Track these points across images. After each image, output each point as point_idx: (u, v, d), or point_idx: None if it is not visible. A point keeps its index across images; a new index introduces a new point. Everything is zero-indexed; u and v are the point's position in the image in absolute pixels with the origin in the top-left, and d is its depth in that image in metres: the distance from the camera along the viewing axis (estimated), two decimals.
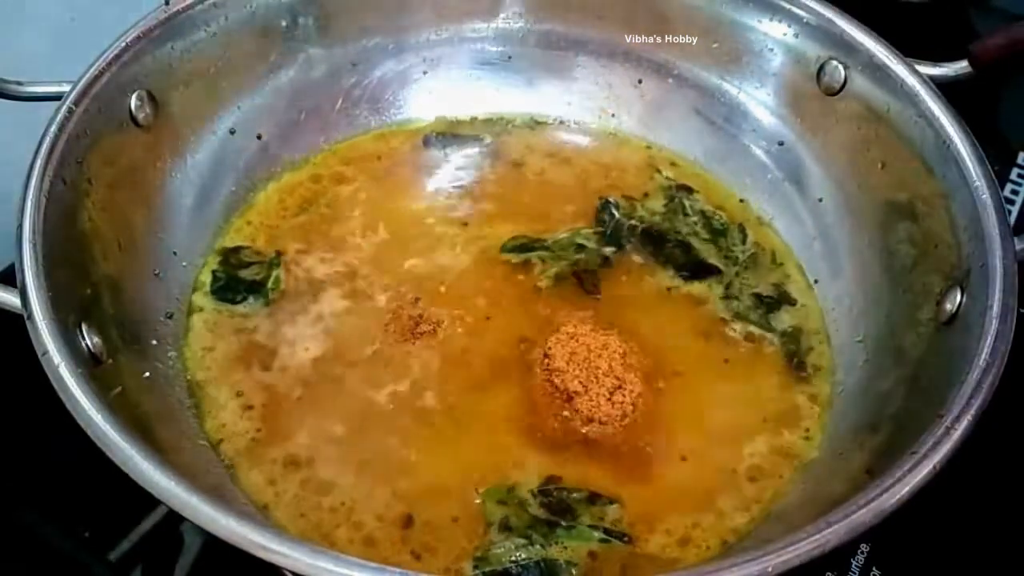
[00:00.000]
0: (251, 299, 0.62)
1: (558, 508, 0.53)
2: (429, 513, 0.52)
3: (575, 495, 0.53)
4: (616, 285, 0.64)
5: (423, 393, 0.57)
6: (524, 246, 0.66)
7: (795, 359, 0.61)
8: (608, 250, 0.66)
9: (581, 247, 0.66)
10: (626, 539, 0.52)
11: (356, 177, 0.69)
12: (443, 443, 0.55)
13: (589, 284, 0.64)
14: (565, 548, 0.51)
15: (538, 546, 0.51)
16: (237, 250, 0.64)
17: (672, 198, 0.69)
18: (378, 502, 0.53)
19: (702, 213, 0.68)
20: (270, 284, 0.62)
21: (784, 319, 0.63)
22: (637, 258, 0.66)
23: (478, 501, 0.53)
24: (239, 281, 0.62)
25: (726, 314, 0.63)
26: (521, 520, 0.52)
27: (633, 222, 0.67)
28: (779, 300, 0.64)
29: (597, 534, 0.52)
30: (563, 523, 0.52)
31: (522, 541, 0.51)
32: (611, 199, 0.69)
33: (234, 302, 0.61)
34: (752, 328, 0.62)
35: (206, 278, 0.62)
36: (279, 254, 0.64)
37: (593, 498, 0.53)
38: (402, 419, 0.56)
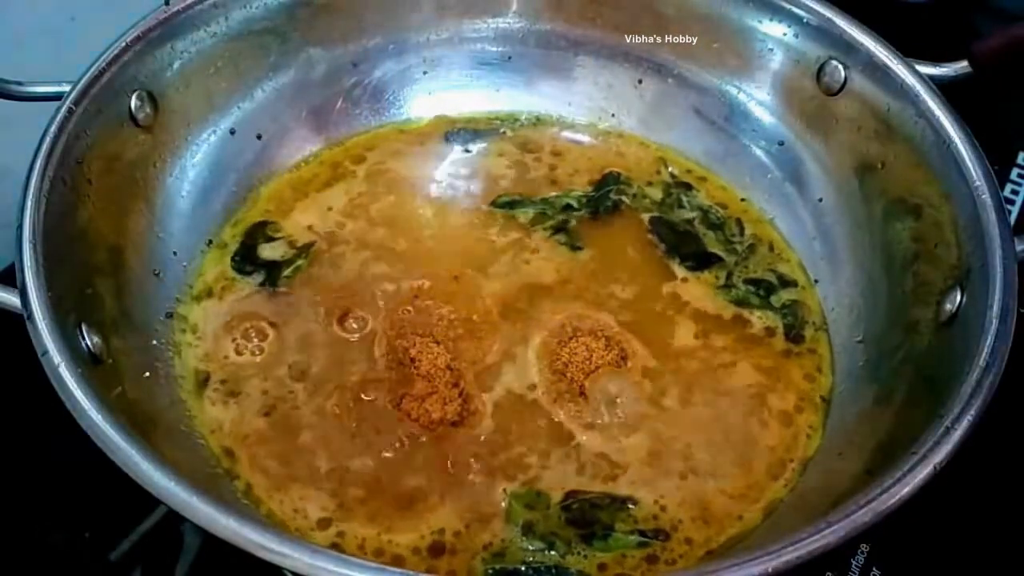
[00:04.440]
0: (260, 280, 0.62)
1: (583, 520, 0.52)
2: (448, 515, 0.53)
3: (598, 502, 0.53)
4: (615, 269, 0.64)
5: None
6: (514, 202, 0.68)
7: (792, 332, 0.62)
8: (586, 212, 0.68)
9: (569, 207, 0.68)
10: (662, 537, 0.52)
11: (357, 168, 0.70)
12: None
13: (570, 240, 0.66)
14: (584, 557, 0.51)
15: (556, 553, 0.51)
16: (263, 225, 0.66)
17: (671, 194, 0.69)
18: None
19: (699, 208, 0.69)
20: (286, 272, 0.63)
21: (783, 296, 0.64)
22: (642, 242, 0.66)
23: (504, 502, 0.53)
24: (256, 258, 0.64)
25: (725, 301, 0.63)
26: (546, 526, 0.52)
27: (625, 198, 0.69)
28: (779, 283, 0.65)
29: (634, 538, 0.52)
30: (598, 532, 0.52)
31: (542, 545, 0.51)
32: (617, 171, 0.70)
33: (247, 275, 0.63)
34: (753, 314, 0.63)
35: (214, 266, 0.63)
36: (308, 231, 0.65)
37: (613, 501, 0.53)
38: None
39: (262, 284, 0.62)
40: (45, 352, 0.45)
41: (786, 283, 0.65)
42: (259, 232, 0.65)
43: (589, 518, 0.52)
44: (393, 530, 0.52)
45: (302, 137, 0.70)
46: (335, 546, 0.51)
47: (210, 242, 0.64)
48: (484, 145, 0.72)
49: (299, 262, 0.63)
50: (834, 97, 0.65)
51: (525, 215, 0.67)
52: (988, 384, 0.46)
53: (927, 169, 0.58)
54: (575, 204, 0.68)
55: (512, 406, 0.57)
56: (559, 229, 0.67)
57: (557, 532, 0.52)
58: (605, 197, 0.69)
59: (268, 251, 0.64)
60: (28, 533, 0.58)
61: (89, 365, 0.48)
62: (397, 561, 0.50)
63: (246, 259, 0.64)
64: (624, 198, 0.69)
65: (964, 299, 0.53)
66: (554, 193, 0.69)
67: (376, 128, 0.72)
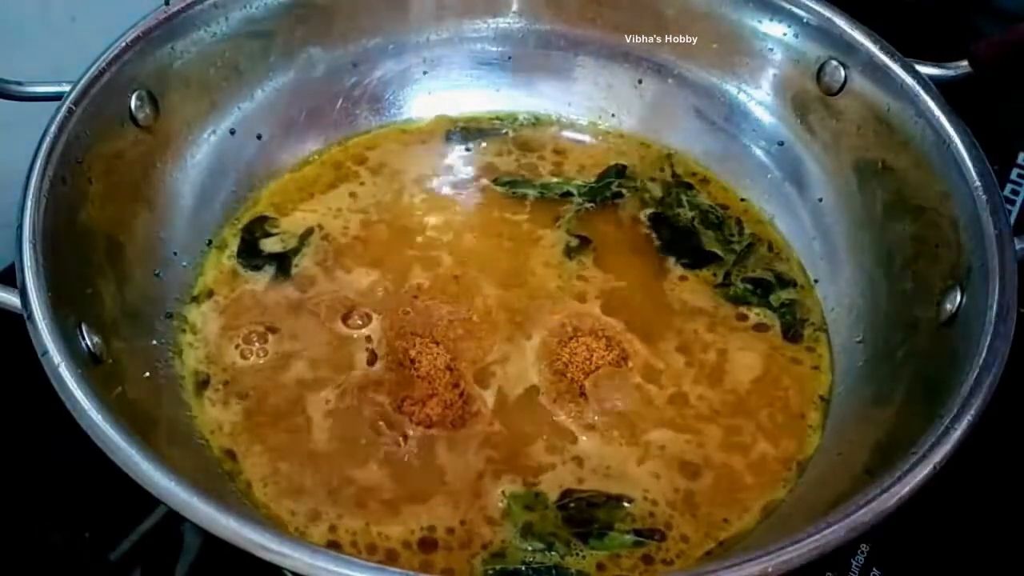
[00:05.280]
0: (272, 272, 0.63)
1: (580, 519, 0.52)
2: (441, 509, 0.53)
3: (595, 500, 0.53)
4: (615, 267, 0.65)
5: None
6: (515, 182, 0.69)
7: (791, 331, 0.62)
8: (590, 205, 0.68)
9: (568, 193, 0.68)
10: (658, 536, 0.52)
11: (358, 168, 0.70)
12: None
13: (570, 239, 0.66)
14: (583, 558, 0.51)
15: (555, 554, 0.51)
16: (262, 220, 0.66)
17: (671, 193, 0.70)
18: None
19: (699, 207, 0.69)
20: (294, 261, 0.64)
21: (782, 295, 0.64)
22: (640, 239, 0.67)
23: (503, 503, 0.53)
24: (260, 252, 0.64)
25: (723, 299, 0.63)
26: (545, 527, 0.52)
27: (626, 191, 0.69)
28: (778, 283, 0.65)
29: (629, 537, 0.52)
30: (594, 531, 0.52)
31: (541, 546, 0.51)
32: (623, 164, 0.70)
33: (257, 270, 0.63)
34: (751, 312, 0.63)
35: (215, 266, 0.63)
36: (308, 232, 0.65)
37: (609, 500, 0.53)
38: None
39: (275, 276, 0.63)
40: (45, 352, 0.45)
41: (785, 283, 0.65)
42: (257, 227, 0.65)
43: (587, 516, 0.52)
44: (383, 523, 0.52)
45: (302, 137, 0.70)
46: (331, 543, 0.51)
47: (210, 242, 0.64)
48: (485, 144, 0.72)
49: (304, 250, 0.64)
50: (834, 97, 0.65)
51: (525, 216, 0.67)
52: (988, 384, 0.46)
53: (927, 169, 0.58)
54: (574, 191, 0.69)
55: (512, 407, 0.57)
56: (558, 222, 0.67)
57: (556, 532, 0.52)
58: (606, 187, 0.69)
59: (270, 244, 0.65)
60: (28, 533, 0.58)
61: (89, 365, 0.48)
62: (391, 556, 0.51)
63: (251, 254, 0.64)
64: (625, 191, 0.69)
65: (964, 299, 0.53)
66: (555, 179, 0.70)
67: (377, 128, 0.72)
